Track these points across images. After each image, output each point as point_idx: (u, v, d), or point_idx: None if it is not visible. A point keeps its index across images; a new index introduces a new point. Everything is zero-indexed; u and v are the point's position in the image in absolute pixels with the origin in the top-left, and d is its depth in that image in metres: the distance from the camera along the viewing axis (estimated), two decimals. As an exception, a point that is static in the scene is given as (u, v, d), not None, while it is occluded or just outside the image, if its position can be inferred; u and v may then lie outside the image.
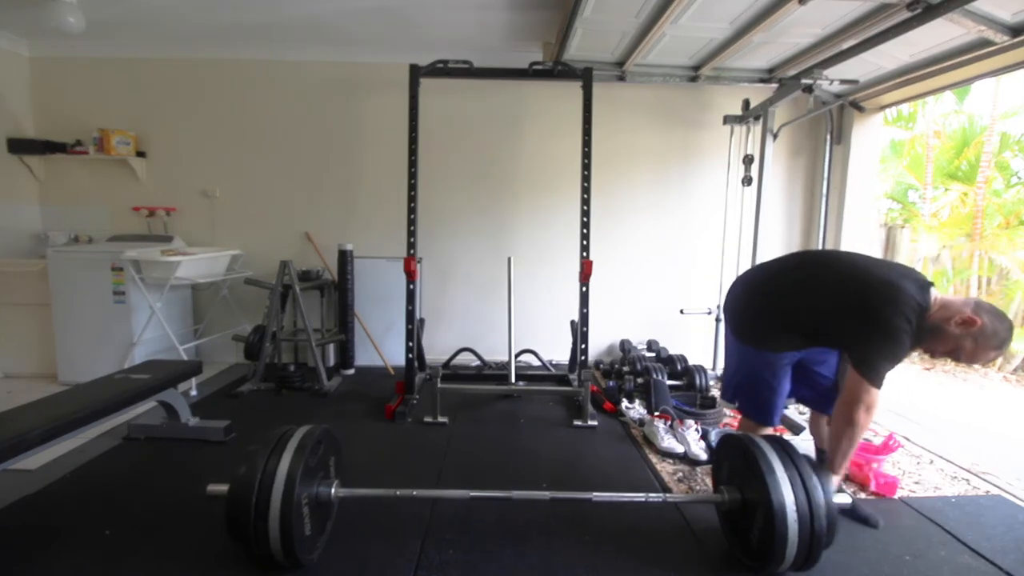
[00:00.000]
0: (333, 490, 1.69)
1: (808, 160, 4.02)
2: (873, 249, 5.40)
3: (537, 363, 3.73)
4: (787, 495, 1.48)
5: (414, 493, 1.74)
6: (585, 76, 3.05)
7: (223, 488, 1.54)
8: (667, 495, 2.02)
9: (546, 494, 1.72)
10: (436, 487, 2.15)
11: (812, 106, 3.34)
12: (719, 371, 3.85)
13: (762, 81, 3.47)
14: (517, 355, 3.41)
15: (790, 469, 1.54)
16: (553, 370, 3.64)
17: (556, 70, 3.07)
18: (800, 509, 1.47)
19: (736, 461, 1.70)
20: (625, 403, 3.01)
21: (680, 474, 2.33)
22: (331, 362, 3.78)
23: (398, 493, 1.74)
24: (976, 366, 5.14)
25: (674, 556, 1.73)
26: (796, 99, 3.30)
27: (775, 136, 3.48)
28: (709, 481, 2.25)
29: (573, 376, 3.30)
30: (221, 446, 2.50)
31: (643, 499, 1.73)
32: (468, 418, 2.91)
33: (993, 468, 2.45)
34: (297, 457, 1.54)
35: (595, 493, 1.69)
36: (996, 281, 5.33)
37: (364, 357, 3.89)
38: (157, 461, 2.38)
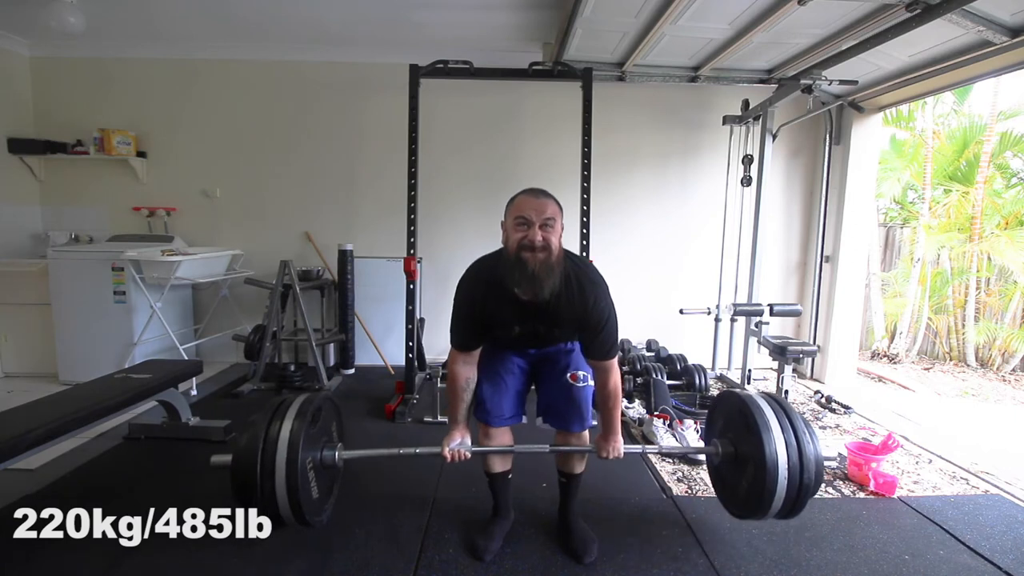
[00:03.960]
0: (337, 453, 1.69)
1: (807, 160, 4.03)
2: (872, 249, 5.41)
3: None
4: (780, 452, 1.53)
5: (416, 451, 1.76)
6: (585, 76, 3.05)
7: (227, 458, 1.54)
8: (662, 447, 1.99)
9: (545, 447, 1.73)
10: (436, 486, 2.16)
11: (811, 106, 3.34)
12: (719, 371, 3.86)
13: (762, 81, 3.47)
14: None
15: (785, 426, 1.58)
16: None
17: (556, 70, 3.07)
18: (792, 465, 1.52)
19: (731, 416, 1.73)
20: (624, 403, 3.01)
21: (679, 473, 2.33)
22: (331, 362, 3.79)
23: (401, 452, 1.75)
24: (975, 366, 5.15)
25: (674, 555, 1.73)
26: (795, 99, 3.30)
27: (774, 136, 3.49)
28: (708, 480, 2.26)
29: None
30: (222, 445, 2.50)
31: (639, 450, 1.81)
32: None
33: (992, 467, 2.45)
34: (298, 422, 1.54)
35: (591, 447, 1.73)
36: (995, 281, 5.33)
37: (364, 357, 3.90)
38: (158, 460, 2.38)
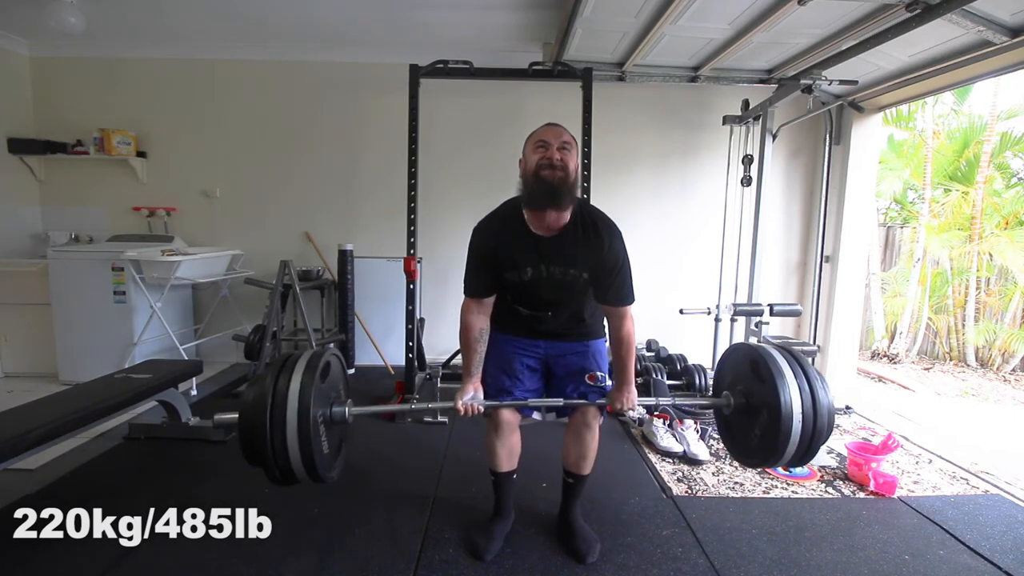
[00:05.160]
0: (347, 409, 1.63)
1: (807, 160, 4.03)
2: (872, 249, 5.41)
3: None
4: (795, 398, 1.52)
5: (428, 406, 1.75)
6: (585, 76, 3.05)
7: (232, 416, 1.49)
8: (676, 402, 1.95)
9: (559, 400, 1.69)
10: (436, 486, 2.16)
11: (811, 106, 3.34)
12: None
13: (762, 81, 3.47)
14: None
15: (798, 372, 1.57)
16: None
17: (556, 70, 3.07)
18: (805, 411, 1.51)
19: (741, 367, 1.72)
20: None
21: (679, 473, 2.33)
22: (331, 362, 3.78)
23: (412, 407, 1.73)
24: (975, 366, 5.15)
25: (674, 555, 1.73)
26: (795, 99, 3.30)
27: (774, 136, 3.49)
28: (708, 480, 2.27)
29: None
30: (222, 445, 2.50)
31: (652, 402, 1.85)
32: (468, 418, 2.90)
33: (992, 467, 2.46)
34: (308, 376, 1.48)
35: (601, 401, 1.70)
36: (995, 281, 5.33)
37: (364, 357, 3.90)
38: (158, 460, 2.38)
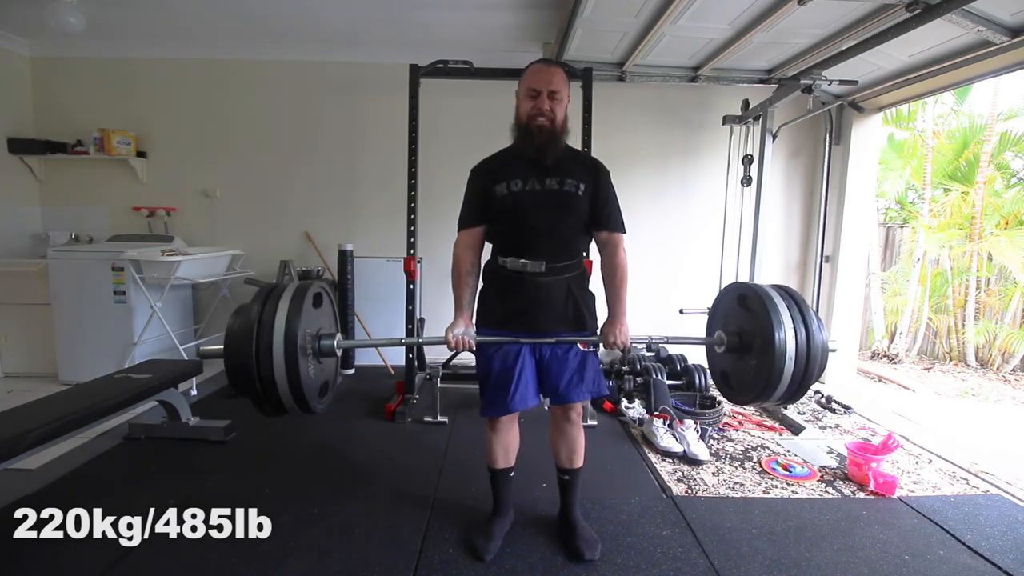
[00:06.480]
0: (336, 341, 1.60)
1: (807, 160, 4.03)
2: (872, 249, 5.41)
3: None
4: (788, 328, 1.51)
5: (419, 341, 1.76)
6: (585, 76, 3.05)
7: (219, 347, 1.46)
8: (652, 338, 1.89)
9: (551, 339, 1.62)
10: (436, 486, 2.16)
11: (811, 106, 3.34)
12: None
13: (762, 81, 3.47)
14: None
15: (784, 297, 1.57)
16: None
17: (556, 70, 3.07)
18: (799, 346, 1.51)
19: (732, 306, 1.72)
20: (624, 403, 3.02)
21: (679, 473, 2.33)
22: (331, 362, 3.78)
23: (403, 341, 1.74)
24: (975, 366, 5.15)
25: (674, 555, 1.73)
26: (795, 99, 3.30)
27: (774, 136, 3.48)
28: (708, 480, 2.27)
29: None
30: (222, 446, 2.50)
31: (646, 339, 1.74)
32: (468, 417, 2.91)
33: (992, 467, 2.45)
34: (296, 302, 1.44)
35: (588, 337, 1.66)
36: (995, 281, 5.33)
37: (364, 357, 3.89)
38: (158, 460, 2.38)
